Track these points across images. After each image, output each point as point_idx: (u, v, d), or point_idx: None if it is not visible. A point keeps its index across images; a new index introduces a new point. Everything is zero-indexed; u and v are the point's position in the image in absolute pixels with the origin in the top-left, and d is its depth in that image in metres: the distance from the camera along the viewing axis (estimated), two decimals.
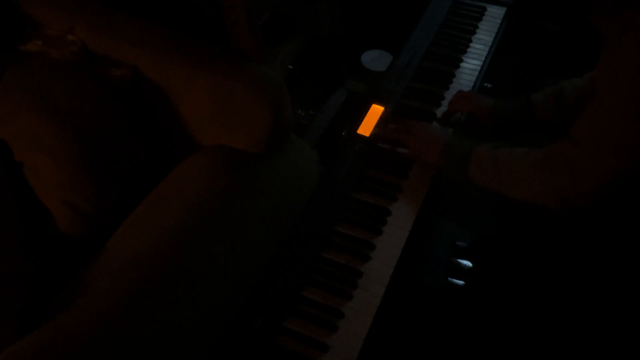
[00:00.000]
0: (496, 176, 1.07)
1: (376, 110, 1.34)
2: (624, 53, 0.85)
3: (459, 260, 1.55)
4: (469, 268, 1.55)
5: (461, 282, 1.52)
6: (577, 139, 0.95)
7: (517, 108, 1.26)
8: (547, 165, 0.99)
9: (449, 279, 1.52)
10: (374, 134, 1.29)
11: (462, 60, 1.48)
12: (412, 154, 1.22)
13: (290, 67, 1.35)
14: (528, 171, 1.02)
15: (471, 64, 1.47)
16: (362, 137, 1.29)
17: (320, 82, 1.43)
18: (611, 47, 0.88)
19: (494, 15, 1.61)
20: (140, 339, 0.81)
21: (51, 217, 0.96)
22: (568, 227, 1.15)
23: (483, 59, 1.48)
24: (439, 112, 1.36)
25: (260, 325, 0.98)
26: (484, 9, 1.62)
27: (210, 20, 1.18)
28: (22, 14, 1.16)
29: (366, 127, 1.30)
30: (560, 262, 1.25)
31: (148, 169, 1.09)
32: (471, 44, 1.52)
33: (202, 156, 1.05)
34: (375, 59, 1.48)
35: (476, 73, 1.45)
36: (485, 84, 1.33)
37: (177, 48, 1.09)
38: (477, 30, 1.56)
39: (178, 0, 1.24)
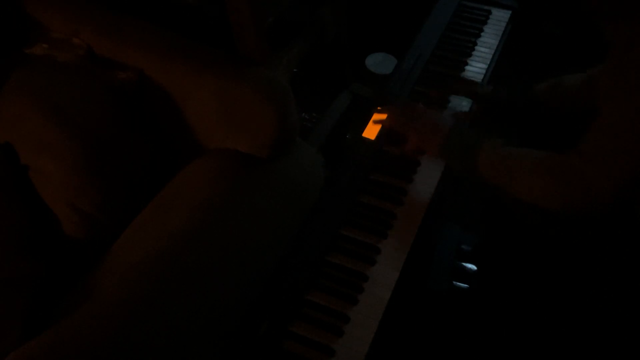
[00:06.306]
0: (504, 177, 1.04)
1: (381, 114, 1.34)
2: (630, 69, 0.83)
3: (464, 264, 1.55)
4: (474, 272, 1.54)
5: (466, 286, 1.52)
6: (584, 151, 0.94)
7: (516, 94, 1.25)
8: (558, 178, 0.97)
9: (454, 282, 1.51)
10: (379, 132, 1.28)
11: (467, 64, 1.48)
12: (414, 145, 1.14)
13: (295, 70, 1.35)
14: (539, 180, 1.00)
15: (476, 67, 1.47)
16: (367, 140, 1.29)
17: (325, 85, 1.43)
18: (617, 59, 0.87)
19: (499, 18, 1.60)
20: (146, 343, 0.81)
21: (57, 220, 0.96)
22: (575, 230, 1.14)
23: (488, 62, 1.48)
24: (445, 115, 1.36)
25: (266, 329, 0.97)
26: (489, 12, 1.61)
27: (216, 23, 1.18)
28: (28, 17, 1.16)
29: (371, 131, 1.30)
30: (566, 265, 1.25)
31: (154, 172, 1.09)
32: (476, 47, 1.52)
33: (207, 160, 1.05)
34: (379, 62, 1.48)
35: (481, 76, 1.45)
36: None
37: (182, 51, 1.09)
38: (482, 34, 1.55)
39: (183, 3, 1.24)
